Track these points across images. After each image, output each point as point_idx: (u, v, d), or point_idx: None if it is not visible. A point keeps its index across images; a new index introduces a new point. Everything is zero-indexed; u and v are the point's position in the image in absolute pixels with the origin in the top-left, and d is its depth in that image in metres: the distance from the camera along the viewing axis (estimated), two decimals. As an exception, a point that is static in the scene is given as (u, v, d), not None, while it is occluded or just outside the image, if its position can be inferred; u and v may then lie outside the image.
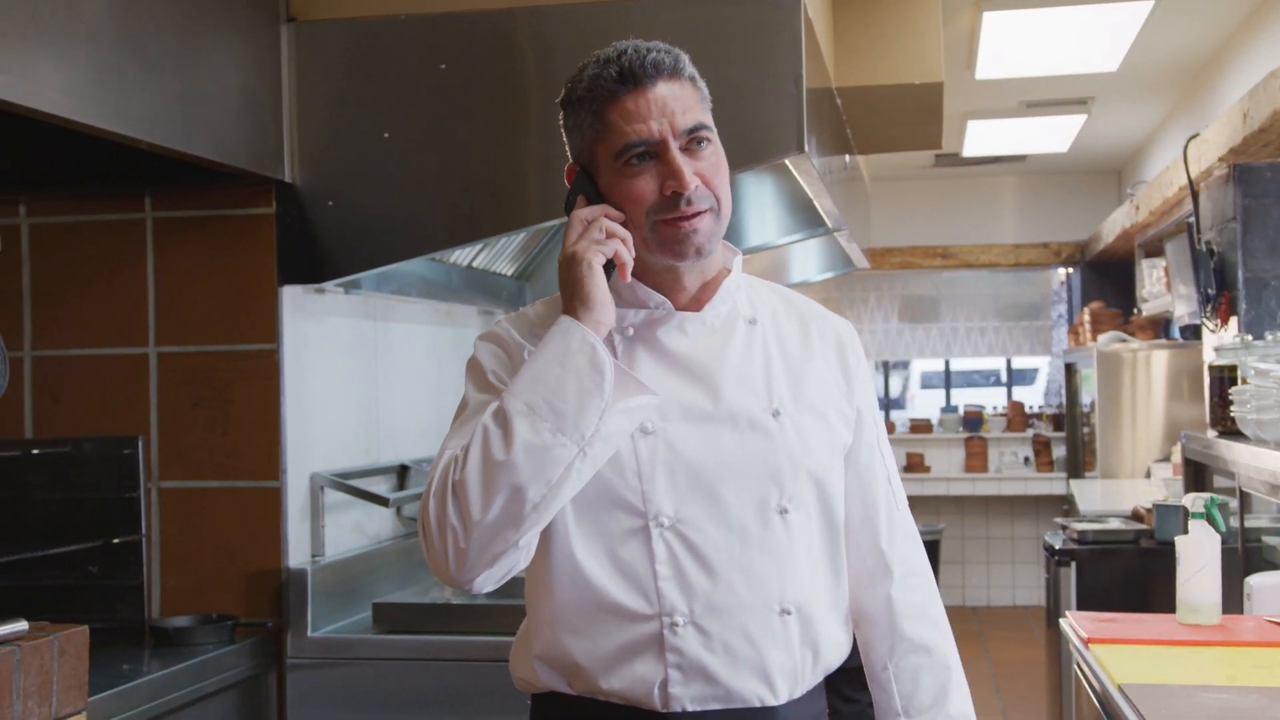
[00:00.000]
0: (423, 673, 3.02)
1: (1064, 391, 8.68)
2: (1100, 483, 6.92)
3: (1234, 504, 3.65)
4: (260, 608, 3.10)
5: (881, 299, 10.11)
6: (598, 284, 1.67)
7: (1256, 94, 4.45)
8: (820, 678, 1.80)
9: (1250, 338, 4.01)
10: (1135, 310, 7.83)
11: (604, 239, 1.68)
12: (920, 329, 10.13)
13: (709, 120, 1.75)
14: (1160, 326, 7.72)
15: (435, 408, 3.91)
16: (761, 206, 4.24)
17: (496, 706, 2.92)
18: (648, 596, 1.68)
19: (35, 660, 2.05)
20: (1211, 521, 2.91)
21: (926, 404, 10.59)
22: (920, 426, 9.59)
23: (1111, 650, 2.71)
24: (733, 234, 4.29)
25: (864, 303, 10.10)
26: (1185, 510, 3.04)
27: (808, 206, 3.98)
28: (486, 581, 1.64)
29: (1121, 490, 6.47)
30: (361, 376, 3.49)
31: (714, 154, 1.74)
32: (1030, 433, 9.35)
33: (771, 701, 1.71)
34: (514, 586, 1.92)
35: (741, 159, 2.95)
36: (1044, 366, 10.39)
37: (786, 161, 3.03)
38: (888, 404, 10.80)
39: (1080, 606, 4.68)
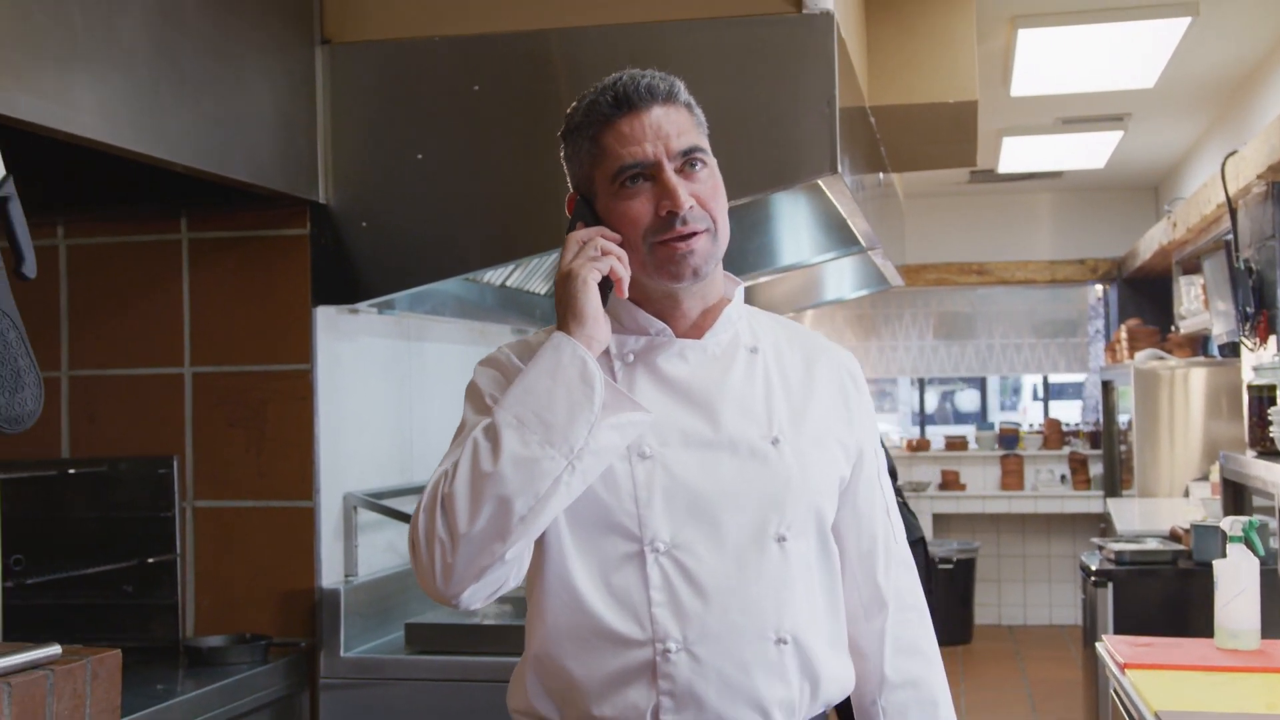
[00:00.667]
0: (455, 693, 3.02)
1: (1100, 408, 8.61)
2: (1138, 501, 6.86)
3: (1274, 524, 3.61)
4: (293, 627, 3.11)
5: (916, 316, 10.06)
6: (590, 300, 1.67)
7: (1295, 111, 4.41)
8: (820, 710, 1.77)
9: (1289, 357, 3.97)
10: (1173, 327, 7.76)
11: (599, 256, 1.68)
12: (955, 346, 10.08)
13: (705, 144, 1.75)
14: (1198, 344, 7.65)
15: (468, 427, 3.90)
16: (795, 225, 4.22)
17: (528, 728, 2.91)
18: (641, 622, 1.67)
19: (68, 684, 2.06)
20: (1250, 545, 2.88)
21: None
22: (956, 444, 9.53)
23: (1148, 676, 2.69)
24: (766, 253, 4.31)
25: (898, 320, 10.06)
26: (1224, 533, 3.01)
27: (841, 225, 3.96)
28: (474, 598, 1.63)
29: (1159, 509, 6.41)
30: (395, 396, 3.50)
31: (710, 177, 1.74)
32: (1067, 450, 9.28)
33: None
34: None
35: (774, 179, 2.94)
36: (1082, 382, 10.32)
37: (819, 181, 3.02)
38: (922, 420, 10.76)
39: (1117, 628, 4.64)
